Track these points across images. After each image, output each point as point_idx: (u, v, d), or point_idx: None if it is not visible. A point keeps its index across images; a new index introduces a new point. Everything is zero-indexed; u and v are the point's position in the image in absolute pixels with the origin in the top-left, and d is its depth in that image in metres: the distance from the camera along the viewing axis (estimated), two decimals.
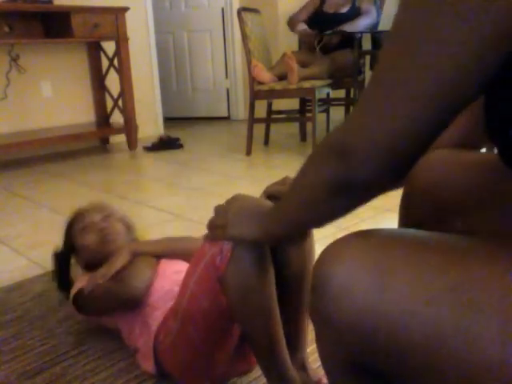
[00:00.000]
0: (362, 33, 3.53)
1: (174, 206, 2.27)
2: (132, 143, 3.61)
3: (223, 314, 0.86)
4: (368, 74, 3.86)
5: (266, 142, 3.64)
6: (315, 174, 0.52)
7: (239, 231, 0.74)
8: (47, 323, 1.28)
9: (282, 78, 3.22)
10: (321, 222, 0.56)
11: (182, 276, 1.02)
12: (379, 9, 3.52)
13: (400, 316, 0.45)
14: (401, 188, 0.49)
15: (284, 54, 3.29)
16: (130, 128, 3.57)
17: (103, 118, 3.82)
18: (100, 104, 3.81)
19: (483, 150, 0.85)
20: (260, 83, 3.17)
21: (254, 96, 3.19)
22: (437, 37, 0.40)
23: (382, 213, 2.04)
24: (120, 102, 3.59)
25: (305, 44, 3.72)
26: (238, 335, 0.92)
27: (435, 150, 0.78)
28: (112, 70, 3.60)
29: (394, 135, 0.44)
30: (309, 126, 3.51)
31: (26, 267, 1.66)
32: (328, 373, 0.58)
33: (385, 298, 0.46)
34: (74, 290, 1.14)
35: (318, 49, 3.49)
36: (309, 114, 3.50)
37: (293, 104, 3.87)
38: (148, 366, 1.01)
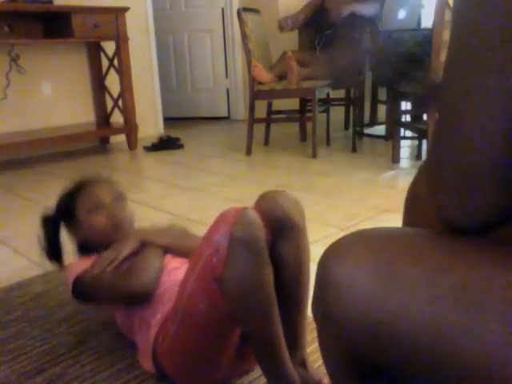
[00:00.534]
0: (361, 33, 3.53)
1: (174, 206, 2.27)
2: (132, 143, 3.61)
3: (221, 316, 0.85)
4: (368, 73, 3.86)
5: (266, 142, 3.64)
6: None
7: None
8: (47, 323, 1.28)
9: (281, 77, 3.22)
10: None
11: (180, 273, 1.01)
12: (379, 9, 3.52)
13: (403, 314, 0.45)
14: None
15: (284, 53, 3.30)
16: (130, 128, 3.57)
17: (103, 118, 3.82)
18: (100, 104, 3.81)
19: None
20: (260, 83, 3.17)
21: (254, 96, 3.19)
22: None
23: (382, 213, 2.04)
24: (120, 102, 3.59)
25: (304, 44, 3.72)
26: (239, 336, 0.92)
27: None
28: (112, 70, 3.60)
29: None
30: (309, 125, 3.51)
31: (25, 267, 1.66)
32: (329, 371, 0.58)
33: (388, 295, 0.46)
34: (72, 274, 1.07)
35: (318, 48, 3.49)
36: (309, 114, 3.50)
37: (293, 104, 3.87)
38: (147, 365, 1.00)
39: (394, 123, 2.93)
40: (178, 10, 4.83)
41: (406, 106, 3.21)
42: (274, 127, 3.76)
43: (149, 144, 3.64)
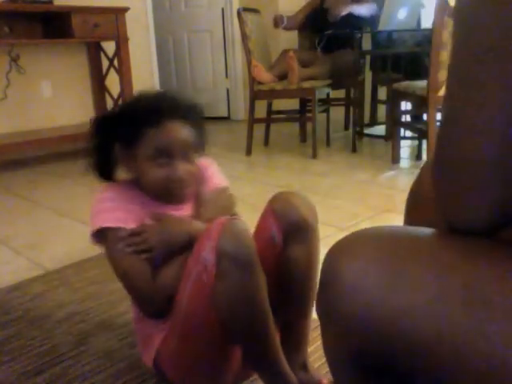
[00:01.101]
0: (362, 33, 3.53)
1: None
2: None
3: (219, 332, 0.83)
4: (368, 74, 3.86)
5: (266, 142, 3.64)
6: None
7: None
8: (47, 323, 1.28)
9: (281, 77, 3.22)
10: None
11: None
12: (380, 8, 3.52)
13: (408, 312, 0.45)
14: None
15: (284, 52, 3.30)
16: None
17: None
18: (100, 104, 3.80)
19: None
20: (260, 83, 3.17)
21: (254, 96, 3.19)
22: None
23: (382, 213, 2.04)
24: (120, 102, 3.59)
25: (304, 44, 3.72)
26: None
27: None
28: (112, 70, 3.60)
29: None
30: (309, 125, 3.51)
31: (26, 267, 1.66)
32: (332, 369, 0.58)
33: (393, 293, 0.46)
34: (98, 212, 0.89)
35: (319, 49, 3.49)
36: (309, 114, 3.50)
37: (293, 104, 3.87)
38: (147, 361, 0.97)
39: (394, 123, 2.93)
40: (178, 10, 4.83)
41: (405, 106, 3.20)
42: (274, 127, 3.76)
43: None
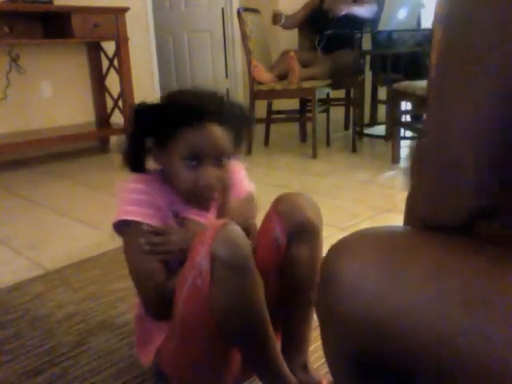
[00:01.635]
0: (362, 33, 3.53)
1: None
2: None
3: (216, 336, 0.83)
4: (368, 74, 3.86)
5: (266, 142, 3.64)
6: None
7: None
8: (47, 323, 1.28)
9: (281, 77, 3.22)
10: None
11: None
12: (381, 8, 3.52)
13: (409, 312, 0.45)
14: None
15: (284, 52, 3.30)
16: None
17: (103, 118, 3.81)
18: (100, 104, 3.81)
19: None
20: (260, 83, 3.17)
21: (254, 96, 3.19)
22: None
23: (382, 213, 2.04)
24: (120, 102, 3.59)
25: (305, 44, 3.72)
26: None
27: None
28: (112, 70, 3.60)
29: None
30: (309, 126, 3.51)
31: (26, 267, 1.66)
32: (332, 369, 0.58)
33: (392, 293, 0.46)
34: (123, 213, 0.87)
35: (319, 49, 3.49)
36: (309, 114, 3.50)
37: (293, 104, 3.87)
38: (144, 357, 0.97)
39: (393, 123, 2.93)
40: (178, 10, 4.83)
41: (405, 106, 3.20)
42: (274, 127, 3.76)
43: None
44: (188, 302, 0.82)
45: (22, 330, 1.25)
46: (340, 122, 4.08)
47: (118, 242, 0.94)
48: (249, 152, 3.28)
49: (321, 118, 3.38)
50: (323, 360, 1.04)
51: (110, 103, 3.77)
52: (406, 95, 2.74)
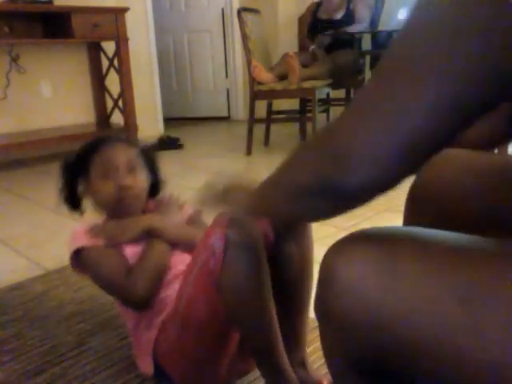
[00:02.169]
0: (362, 33, 3.53)
1: None
2: None
3: (221, 318, 0.85)
4: (368, 73, 3.86)
5: (266, 142, 3.64)
6: (302, 170, 0.49)
7: (239, 207, 0.74)
8: (47, 323, 1.28)
9: (282, 78, 3.22)
10: (298, 219, 0.55)
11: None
12: (379, 9, 3.52)
13: (407, 313, 0.45)
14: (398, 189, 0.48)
15: (285, 55, 3.30)
16: (129, 128, 3.57)
17: (103, 118, 3.82)
18: (100, 104, 3.81)
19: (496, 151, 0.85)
20: (260, 83, 3.17)
21: (254, 96, 3.19)
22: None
23: (382, 213, 2.04)
24: (120, 102, 3.59)
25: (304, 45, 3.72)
26: (238, 337, 0.92)
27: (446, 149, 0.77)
28: (112, 70, 3.60)
29: (394, 146, 0.42)
30: (309, 126, 3.51)
31: (26, 267, 1.66)
32: (331, 370, 0.58)
33: (391, 294, 0.46)
34: (74, 240, 1.02)
35: (320, 49, 3.50)
36: (309, 114, 3.50)
37: (293, 104, 3.87)
38: (145, 366, 0.99)
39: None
40: (178, 10, 4.83)
41: None
42: (274, 127, 3.76)
43: (149, 144, 3.63)
44: (197, 282, 0.84)
45: (22, 329, 1.25)
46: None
47: None
48: (249, 152, 3.28)
49: (321, 118, 3.38)
50: (323, 360, 1.04)
51: (110, 103, 3.77)
52: None
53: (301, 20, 3.84)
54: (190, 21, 4.82)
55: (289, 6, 4.39)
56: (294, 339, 0.97)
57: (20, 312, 1.34)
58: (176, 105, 5.01)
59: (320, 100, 3.39)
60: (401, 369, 0.48)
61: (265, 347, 0.87)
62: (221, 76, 4.91)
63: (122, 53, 3.41)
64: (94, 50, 3.67)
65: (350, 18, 3.50)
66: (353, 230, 0.54)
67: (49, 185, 2.73)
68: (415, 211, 0.82)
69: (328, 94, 3.58)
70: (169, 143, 3.63)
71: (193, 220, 1.13)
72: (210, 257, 0.80)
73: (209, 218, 0.86)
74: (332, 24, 3.51)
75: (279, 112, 3.70)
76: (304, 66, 3.29)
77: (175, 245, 1.04)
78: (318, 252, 0.97)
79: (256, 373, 1.02)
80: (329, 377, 0.95)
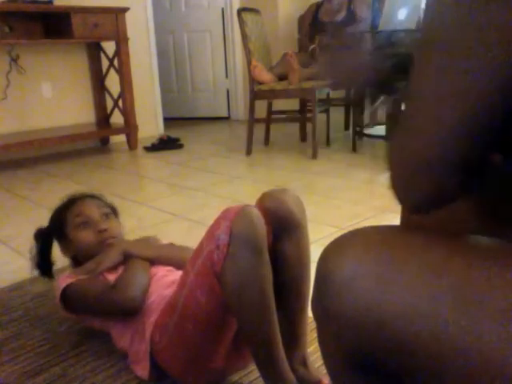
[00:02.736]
0: (361, 33, 3.53)
1: (174, 206, 2.27)
2: (132, 143, 3.61)
3: (221, 309, 0.86)
4: None
5: (266, 142, 3.64)
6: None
7: None
8: (47, 323, 1.28)
9: (282, 78, 3.22)
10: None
11: (171, 278, 1.03)
12: (377, 10, 3.52)
13: (403, 312, 0.45)
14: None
15: (285, 54, 3.30)
16: (130, 128, 3.57)
17: (103, 119, 3.82)
18: (100, 104, 3.81)
19: None
20: (260, 83, 3.17)
21: (254, 96, 3.19)
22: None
23: (382, 213, 2.04)
24: (120, 103, 3.59)
25: (304, 45, 3.72)
26: (236, 329, 0.92)
27: None
28: (112, 71, 3.60)
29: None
30: (309, 126, 3.51)
31: (26, 267, 1.65)
32: (329, 370, 0.58)
33: (388, 293, 0.46)
34: (60, 286, 1.08)
35: (318, 50, 3.49)
36: (309, 114, 3.50)
37: (293, 104, 3.87)
38: (141, 371, 1.00)
39: (394, 123, 2.93)
40: (178, 10, 4.83)
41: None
42: (274, 127, 3.76)
43: (149, 144, 3.64)
44: (200, 274, 0.85)
45: (22, 329, 1.25)
46: (340, 122, 4.08)
47: None
48: (249, 152, 3.28)
49: (321, 117, 3.38)
50: None
51: (109, 103, 3.77)
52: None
53: (301, 20, 3.84)
54: (190, 21, 4.82)
55: (289, 6, 4.39)
56: (294, 339, 0.97)
57: (20, 312, 1.34)
58: (176, 105, 5.02)
59: (320, 100, 3.39)
60: (396, 367, 0.48)
61: (263, 342, 0.87)
62: (221, 76, 4.91)
63: (121, 53, 3.42)
64: (94, 50, 3.68)
65: (351, 19, 3.50)
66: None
67: (48, 185, 2.74)
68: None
69: (328, 94, 3.58)
70: (169, 143, 3.63)
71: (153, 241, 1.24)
72: (215, 249, 0.82)
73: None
74: (333, 26, 3.51)
75: (279, 112, 3.70)
76: (304, 66, 3.29)
77: (151, 262, 1.11)
78: (317, 252, 0.97)
79: (256, 373, 1.02)
80: None
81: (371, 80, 0.70)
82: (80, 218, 1.15)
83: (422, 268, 0.46)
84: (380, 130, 3.78)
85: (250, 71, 3.17)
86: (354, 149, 3.27)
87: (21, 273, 1.61)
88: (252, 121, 3.24)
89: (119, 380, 1.04)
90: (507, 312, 0.40)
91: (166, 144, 3.62)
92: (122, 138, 3.74)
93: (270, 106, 3.57)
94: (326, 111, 3.60)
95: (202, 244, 0.86)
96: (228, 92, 4.94)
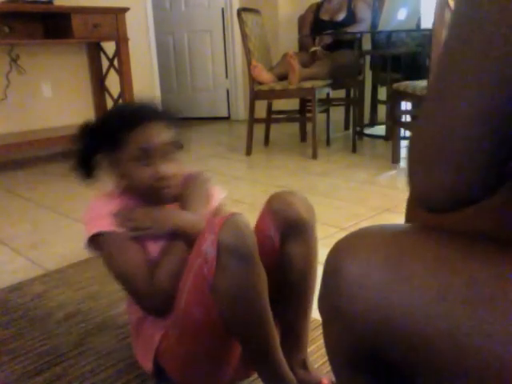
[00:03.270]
0: (361, 33, 3.53)
1: None
2: None
3: (220, 322, 0.84)
4: (368, 73, 3.86)
5: (266, 142, 3.64)
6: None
7: None
8: (47, 323, 1.28)
9: (282, 78, 3.22)
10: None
11: None
12: (377, 10, 3.53)
13: (413, 310, 0.45)
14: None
15: (285, 55, 3.30)
16: None
17: None
18: (100, 104, 3.80)
19: None
20: (260, 83, 3.17)
21: (254, 96, 3.19)
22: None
23: (382, 213, 2.04)
24: (120, 102, 3.59)
25: (305, 45, 3.72)
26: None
27: None
28: (112, 71, 3.60)
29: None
30: (309, 126, 3.51)
31: (26, 267, 1.66)
32: (334, 368, 0.58)
33: (398, 290, 0.46)
34: (91, 218, 0.94)
35: (318, 50, 3.50)
36: (309, 114, 3.50)
37: (293, 104, 3.87)
38: (146, 365, 0.98)
39: (394, 123, 2.93)
40: (178, 10, 4.83)
41: (405, 106, 3.20)
42: (274, 127, 3.76)
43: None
44: (193, 290, 0.83)
45: (22, 329, 1.25)
46: (340, 122, 4.08)
47: None
48: (249, 152, 3.28)
49: (321, 117, 3.38)
50: (324, 359, 1.04)
51: (109, 103, 3.77)
52: (405, 95, 2.73)
53: (301, 20, 3.84)
54: (190, 21, 4.82)
55: (289, 6, 4.39)
56: (296, 340, 0.97)
57: (20, 312, 1.34)
58: (176, 105, 5.00)
59: (320, 100, 3.39)
60: (403, 365, 0.48)
61: (261, 351, 0.86)
62: (221, 76, 4.91)
63: (121, 53, 3.41)
64: (94, 50, 3.67)
65: (351, 18, 3.50)
66: (353, 230, 0.54)
67: (49, 185, 2.74)
68: (417, 209, 0.81)
69: (328, 94, 3.58)
70: None
71: (218, 212, 1.05)
72: (204, 263, 0.80)
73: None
74: (334, 26, 3.52)
75: (279, 112, 3.70)
76: (304, 66, 3.29)
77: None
78: (318, 252, 0.97)
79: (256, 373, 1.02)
80: (330, 376, 0.95)
81: None
82: (140, 148, 0.92)
83: (434, 265, 0.46)
84: (380, 129, 3.78)
85: (249, 71, 3.17)
86: (354, 149, 3.27)
87: (20, 273, 1.61)
88: (252, 121, 3.24)
89: (119, 380, 1.04)
90: None
91: None
92: None
93: (269, 105, 3.57)
94: (326, 111, 3.60)
95: (191, 258, 0.84)
96: (228, 92, 4.94)
